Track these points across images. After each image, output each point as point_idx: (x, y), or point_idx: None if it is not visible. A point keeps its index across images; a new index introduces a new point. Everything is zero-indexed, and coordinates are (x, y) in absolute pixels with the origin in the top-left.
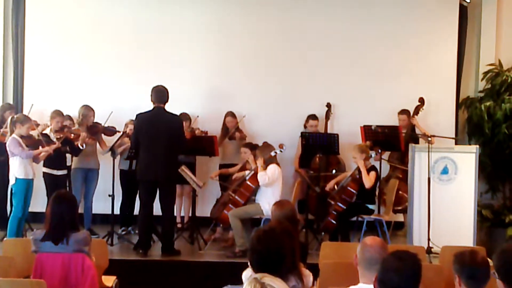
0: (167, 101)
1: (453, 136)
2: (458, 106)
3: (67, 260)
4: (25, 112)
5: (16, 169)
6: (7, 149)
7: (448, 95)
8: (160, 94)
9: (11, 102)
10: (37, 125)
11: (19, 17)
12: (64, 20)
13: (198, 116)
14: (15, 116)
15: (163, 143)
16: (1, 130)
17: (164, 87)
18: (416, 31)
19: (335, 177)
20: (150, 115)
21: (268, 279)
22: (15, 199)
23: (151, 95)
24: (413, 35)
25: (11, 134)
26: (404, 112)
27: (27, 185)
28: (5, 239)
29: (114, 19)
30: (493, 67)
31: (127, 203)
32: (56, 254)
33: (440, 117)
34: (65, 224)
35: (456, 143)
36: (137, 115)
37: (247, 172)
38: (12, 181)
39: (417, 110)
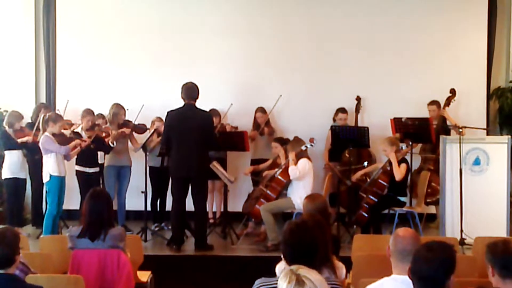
0: (197, 97)
1: (485, 126)
2: (489, 96)
3: (103, 256)
4: (61, 108)
5: (51, 166)
6: (41, 147)
7: (478, 86)
8: (190, 91)
9: (44, 102)
10: (71, 124)
11: (50, 17)
12: (94, 19)
13: (232, 104)
14: (48, 115)
15: (194, 140)
16: (34, 130)
17: (194, 84)
18: (445, 21)
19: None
20: (180, 112)
21: (303, 270)
22: (50, 197)
23: (182, 92)
24: (442, 26)
25: (43, 133)
26: (433, 103)
27: (61, 182)
28: (41, 236)
29: (144, 18)
30: None
31: (156, 200)
32: (92, 250)
33: (471, 108)
34: (103, 221)
35: (487, 134)
36: (168, 112)
37: (275, 170)
38: (46, 178)
39: (448, 101)
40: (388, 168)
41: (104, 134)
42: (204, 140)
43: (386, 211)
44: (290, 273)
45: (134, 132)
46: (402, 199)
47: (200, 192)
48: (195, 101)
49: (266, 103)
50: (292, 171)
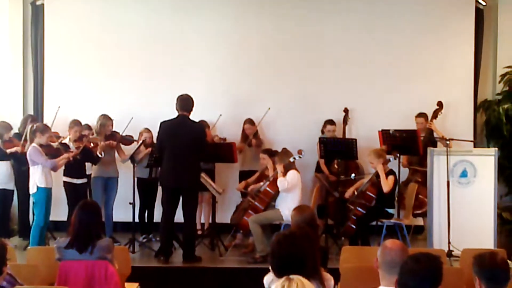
0: (191, 110)
1: (472, 139)
2: (476, 108)
3: (90, 267)
4: (48, 122)
5: (38, 177)
6: (28, 158)
7: (465, 98)
8: (185, 102)
9: (32, 113)
10: (58, 137)
11: (38, 29)
12: (82, 31)
13: (221, 115)
14: (35, 125)
15: (186, 151)
16: (22, 141)
17: (189, 96)
18: (432, 34)
19: (353, 182)
20: (173, 123)
21: (294, 276)
22: (37, 208)
23: (176, 103)
24: (429, 39)
25: (30, 143)
26: (421, 115)
27: (48, 193)
28: (28, 247)
29: (132, 29)
30: (510, 69)
31: (144, 211)
32: (80, 261)
33: (458, 120)
34: (92, 233)
35: (474, 146)
36: (161, 123)
37: (261, 183)
38: (33, 190)
39: (435, 114)
40: (376, 180)
41: (92, 145)
42: (195, 151)
43: (374, 223)
44: (284, 279)
45: (121, 144)
46: (390, 211)
47: (190, 203)
48: (189, 113)
49: (254, 114)
50: (281, 182)
